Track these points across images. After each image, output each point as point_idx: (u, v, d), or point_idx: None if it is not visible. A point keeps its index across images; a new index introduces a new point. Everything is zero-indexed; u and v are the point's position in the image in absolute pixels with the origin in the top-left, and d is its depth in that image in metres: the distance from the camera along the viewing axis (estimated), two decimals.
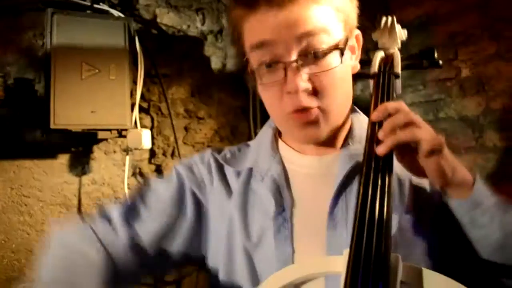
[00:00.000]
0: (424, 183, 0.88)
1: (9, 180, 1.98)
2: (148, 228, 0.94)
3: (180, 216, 0.96)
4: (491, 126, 1.89)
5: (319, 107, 0.82)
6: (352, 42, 0.87)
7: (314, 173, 0.92)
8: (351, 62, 0.88)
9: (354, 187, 0.85)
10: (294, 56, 0.78)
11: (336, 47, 0.80)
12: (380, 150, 0.71)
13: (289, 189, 0.90)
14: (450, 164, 0.73)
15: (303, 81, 0.78)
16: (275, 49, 0.79)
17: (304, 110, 0.81)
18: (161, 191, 0.98)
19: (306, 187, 0.91)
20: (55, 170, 2.08)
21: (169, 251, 0.95)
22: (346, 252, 0.61)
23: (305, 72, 0.79)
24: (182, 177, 0.98)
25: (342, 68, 0.82)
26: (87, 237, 0.91)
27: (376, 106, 0.81)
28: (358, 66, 0.90)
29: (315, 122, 0.83)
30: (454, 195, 0.77)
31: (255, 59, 0.83)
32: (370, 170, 0.69)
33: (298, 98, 0.79)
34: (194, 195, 0.97)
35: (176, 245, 0.95)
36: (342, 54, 0.81)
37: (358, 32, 0.89)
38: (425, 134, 0.71)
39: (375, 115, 0.77)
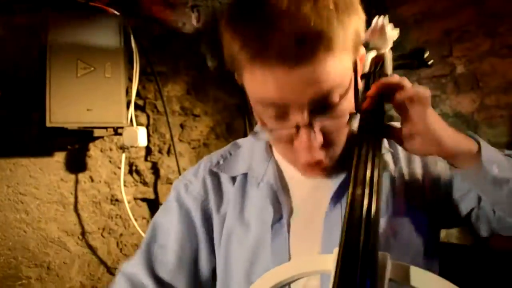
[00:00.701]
0: (418, 179, 0.88)
1: (5, 178, 1.99)
2: (175, 272, 0.93)
3: (197, 243, 0.94)
4: (486, 123, 1.90)
5: (329, 157, 0.79)
6: (358, 65, 0.80)
7: (312, 179, 0.89)
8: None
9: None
10: (306, 116, 0.71)
11: (347, 93, 0.74)
12: (368, 92, 0.73)
13: (287, 194, 0.89)
14: (441, 125, 0.71)
15: (316, 137, 0.73)
16: (285, 109, 0.71)
17: (316, 162, 0.78)
18: (172, 228, 0.96)
19: (304, 192, 0.89)
20: (51, 168, 2.08)
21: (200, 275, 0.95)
22: (335, 250, 0.61)
23: (318, 127, 0.72)
24: (185, 205, 0.96)
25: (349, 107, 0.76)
26: None
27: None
28: (360, 83, 0.84)
29: (323, 168, 0.81)
30: (462, 164, 0.74)
31: (260, 110, 0.75)
32: (359, 166, 0.69)
33: (312, 154, 0.75)
34: (202, 216, 0.95)
35: (205, 268, 0.95)
36: (356, 81, 0.76)
37: (363, 51, 0.83)
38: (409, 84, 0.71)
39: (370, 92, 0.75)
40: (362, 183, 0.66)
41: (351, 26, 0.70)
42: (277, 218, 0.85)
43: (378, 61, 0.96)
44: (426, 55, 1.00)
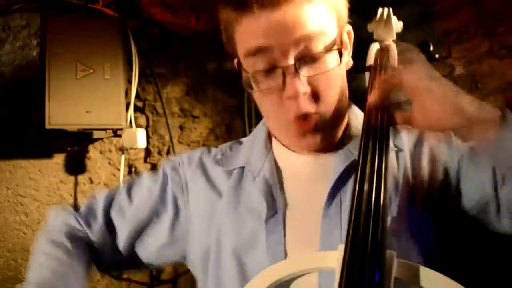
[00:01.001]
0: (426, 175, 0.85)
1: (5, 180, 1.99)
2: (125, 223, 0.96)
3: (157, 217, 0.96)
4: None
5: (318, 113, 0.80)
6: (344, 38, 0.85)
7: (309, 172, 0.89)
8: (344, 58, 0.84)
9: (349, 187, 0.82)
10: (291, 60, 0.75)
11: (333, 47, 0.78)
12: (371, 99, 0.75)
13: (282, 190, 0.88)
14: (454, 92, 0.69)
15: (302, 85, 0.76)
16: (271, 55, 0.75)
17: (305, 117, 0.79)
18: (146, 189, 0.99)
19: (300, 187, 0.88)
20: (50, 170, 2.08)
21: (139, 250, 0.97)
22: (340, 247, 0.60)
23: (303, 75, 0.76)
24: (167, 178, 0.98)
25: (338, 68, 0.79)
26: (71, 226, 0.97)
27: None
28: (351, 62, 0.88)
29: (315, 130, 0.81)
30: (485, 133, 0.68)
31: (250, 65, 0.79)
32: (366, 160, 0.68)
33: (299, 103, 0.77)
34: (174, 200, 0.96)
35: (147, 246, 0.96)
36: (340, 54, 0.78)
37: (349, 27, 0.86)
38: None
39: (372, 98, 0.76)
40: (370, 178, 0.65)
41: None
42: (271, 213, 0.85)
43: (383, 53, 0.95)
44: (431, 48, 1.00)
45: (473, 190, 0.82)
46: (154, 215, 0.96)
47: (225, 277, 0.86)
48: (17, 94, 2.01)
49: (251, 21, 0.75)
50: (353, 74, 0.93)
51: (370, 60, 0.94)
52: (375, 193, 0.63)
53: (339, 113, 0.85)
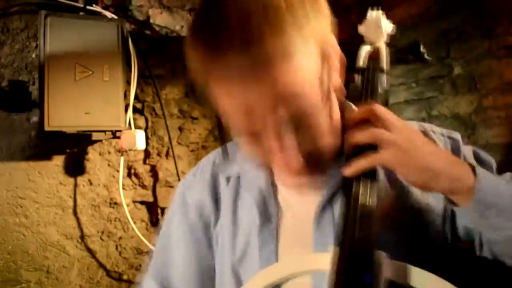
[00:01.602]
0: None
1: (4, 182, 1.99)
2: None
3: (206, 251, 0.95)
4: (483, 124, 1.90)
5: (305, 155, 0.75)
6: (334, 61, 0.76)
7: (303, 183, 0.86)
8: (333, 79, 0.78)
9: (342, 198, 0.82)
10: (275, 141, 0.70)
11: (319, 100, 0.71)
12: (346, 172, 0.69)
13: (276, 200, 0.87)
14: (430, 152, 0.68)
15: (296, 162, 0.72)
16: (249, 120, 0.69)
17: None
18: (180, 241, 0.97)
19: (294, 198, 0.87)
20: (50, 172, 2.08)
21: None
22: (332, 249, 0.61)
23: (287, 134, 0.70)
24: (190, 214, 0.96)
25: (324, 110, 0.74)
26: None
27: (363, 101, 0.80)
28: (339, 82, 0.80)
29: (302, 172, 0.77)
30: (460, 203, 0.70)
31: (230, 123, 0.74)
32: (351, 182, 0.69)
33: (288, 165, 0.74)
34: (203, 224, 0.95)
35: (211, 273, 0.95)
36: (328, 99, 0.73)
37: (338, 50, 0.78)
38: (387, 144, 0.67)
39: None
40: (358, 181, 0.66)
41: (306, 19, 0.67)
42: (265, 225, 0.84)
43: (374, 55, 0.95)
44: (421, 49, 0.99)
45: (460, 220, 0.81)
46: (205, 256, 0.95)
47: (225, 281, 0.87)
48: (16, 96, 2.01)
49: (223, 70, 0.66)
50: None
51: (360, 62, 0.94)
52: (364, 196, 0.64)
53: (329, 148, 0.81)
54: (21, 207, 2.02)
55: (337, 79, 0.78)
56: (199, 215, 0.94)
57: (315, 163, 0.78)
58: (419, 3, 2.13)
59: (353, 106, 0.92)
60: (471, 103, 1.95)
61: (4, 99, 1.99)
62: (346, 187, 0.68)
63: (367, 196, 0.64)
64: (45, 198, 2.06)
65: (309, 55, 0.68)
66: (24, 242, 2.02)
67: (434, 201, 0.83)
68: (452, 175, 0.67)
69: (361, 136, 0.68)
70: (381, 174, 0.83)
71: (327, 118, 0.76)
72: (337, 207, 0.81)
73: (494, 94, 1.87)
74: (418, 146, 0.68)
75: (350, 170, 0.68)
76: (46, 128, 1.90)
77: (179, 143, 2.38)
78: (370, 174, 0.68)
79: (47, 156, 2.08)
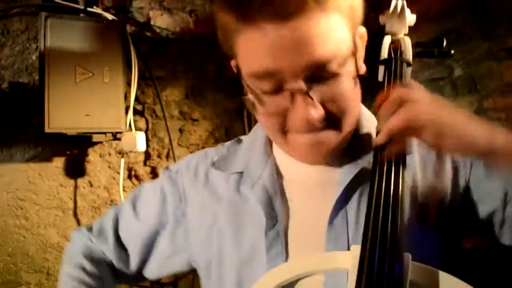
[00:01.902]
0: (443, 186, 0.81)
1: (4, 184, 1.99)
2: (133, 239, 0.98)
3: (162, 229, 0.96)
4: None
5: (330, 129, 0.73)
6: (357, 41, 0.75)
7: (313, 181, 0.83)
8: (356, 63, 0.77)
9: (356, 196, 0.78)
10: (302, 83, 0.66)
11: (349, 66, 0.69)
12: (379, 139, 0.67)
13: (283, 199, 0.82)
14: (460, 118, 0.66)
15: (315, 109, 0.68)
16: (279, 77, 0.66)
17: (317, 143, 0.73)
18: (148, 203, 0.99)
19: (303, 196, 0.83)
20: (50, 174, 2.08)
21: (149, 263, 0.98)
22: (354, 247, 0.60)
23: (316, 97, 0.67)
24: (165, 190, 0.97)
25: (351, 80, 0.71)
26: (88, 247, 0.99)
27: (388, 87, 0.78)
28: (363, 67, 0.78)
29: (325, 153, 0.77)
30: (496, 165, 0.68)
31: (253, 85, 0.70)
32: (383, 164, 0.67)
33: (311, 129, 0.72)
34: (173, 211, 0.95)
35: (154, 258, 0.97)
36: (357, 77, 0.72)
37: (363, 30, 0.77)
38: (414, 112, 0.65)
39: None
40: (387, 176, 0.64)
41: (344, 12, 0.68)
42: (271, 225, 0.80)
43: (396, 47, 0.92)
44: (445, 44, 0.97)
45: (484, 199, 0.80)
46: (159, 227, 0.96)
47: (226, 282, 0.83)
48: (16, 98, 2.01)
49: (255, 35, 0.64)
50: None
51: (384, 53, 0.90)
52: (393, 191, 0.62)
53: (351, 124, 0.79)
54: (21, 209, 2.02)
55: (363, 68, 0.78)
56: (179, 199, 0.95)
57: (335, 150, 0.77)
58: (418, 4, 2.12)
59: (366, 110, 0.91)
60: (471, 105, 1.95)
61: (4, 101, 1.99)
62: (372, 181, 0.66)
63: (396, 189, 0.63)
64: (45, 200, 2.06)
65: (341, 17, 0.68)
66: (24, 244, 2.01)
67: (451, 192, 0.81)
68: (490, 139, 0.65)
69: (396, 120, 0.65)
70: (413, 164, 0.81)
71: (354, 98, 0.76)
72: (351, 206, 0.78)
73: (495, 96, 1.87)
74: (453, 115, 0.66)
75: (381, 136, 0.66)
76: (47, 130, 1.90)
77: (179, 145, 2.37)
78: (399, 162, 0.66)
79: (47, 158, 2.08)
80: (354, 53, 0.71)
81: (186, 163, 0.99)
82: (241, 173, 0.89)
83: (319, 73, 0.66)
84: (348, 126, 0.76)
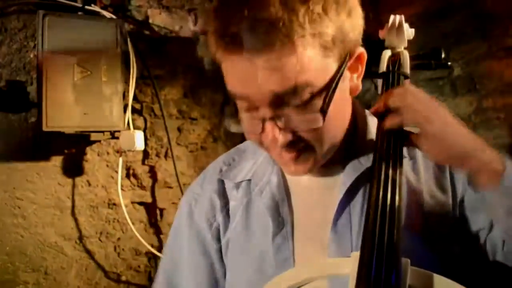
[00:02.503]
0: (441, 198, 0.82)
1: (2, 183, 1.98)
2: None
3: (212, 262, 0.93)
4: (483, 125, 1.90)
5: (307, 150, 0.75)
6: (354, 62, 0.76)
7: (316, 185, 0.85)
8: (351, 82, 0.78)
9: (359, 198, 0.80)
10: (267, 112, 0.69)
11: (323, 94, 0.69)
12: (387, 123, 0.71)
13: (289, 203, 0.85)
14: (459, 131, 0.70)
15: (282, 135, 0.70)
16: (249, 101, 0.70)
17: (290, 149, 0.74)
18: (186, 256, 0.95)
19: (308, 200, 0.85)
20: (48, 172, 2.07)
21: None
22: (354, 254, 0.61)
23: (282, 123, 0.69)
24: (197, 224, 0.94)
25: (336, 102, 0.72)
26: None
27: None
28: (360, 86, 0.79)
29: (304, 158, 0.76)
30: (483, 183, 0.70)
31: (233, 98, 0.75)
32: (381, 167, 0.69)
33: (278, 150, 0.74)
34: (213, 234, 0.93)
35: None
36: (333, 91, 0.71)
37: (361, 50, 0.77)
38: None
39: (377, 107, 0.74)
40: (384, 184, 0.66)
41: (329, 22, 0.67)
42: (278, 231, 0.82)
43: (395, 60, 0.94)
44: (443, 55, 0.99)
45: (471, 215, 0.80)
46: (209, 265, 0.93)
47: None
48: (14, 96, 2.00)
49: (229, 62, 0.69)
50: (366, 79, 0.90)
51: (383, 67, 0.93)
52: (390, 198, 0.64)
53: (336, 135, 0.79)
54: (19, 208, 2.01)
55: (359, 88, 0.79)
56: (209, 228, 0.92)
57: (318, 160, 0.78)
58: (417, 4, 2.12)
59: (368, 114, 0.91)
60: (470, 104, 1.95)
61: (2, 100, 1.98)
62: (371, 186, 0.67)
63: (393, 197, 0.64)
64: (43, 199, 2.05)
65: (323, 67, 0.69)
66: (22, 243, 2.00)
67: (447, 203, 0.82)
68: (481, 157, 0.69)
69: (393, 119, 0.71)
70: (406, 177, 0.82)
71: (340, 115, 0.77)
72: (355, 207, 0.80)
73: (494, 95, 1.87)
74: (450, 127, 0.70)
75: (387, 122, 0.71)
76: (45, 129, 1.89)
77: (178, 144, 2.37)
78: (396, 167, 0.68)
79: (45, 157, 2.07)
80: (336, 80, 0.71)
81: (199, 182, 0.99)
82: (249, 180, 0.90)
83: (286, 102, 0.68)
84: (327, 144, 0.76)
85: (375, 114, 0.77)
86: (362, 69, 0.79)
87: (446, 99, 2.02)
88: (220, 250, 0.91)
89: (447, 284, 0.56)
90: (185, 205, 0.98)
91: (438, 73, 2.03)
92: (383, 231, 0.60)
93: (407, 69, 0.91)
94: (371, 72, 0.88)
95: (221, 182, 0.94)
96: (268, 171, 0.88)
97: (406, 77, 0.89)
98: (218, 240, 0.91)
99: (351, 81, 0.78)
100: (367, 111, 0.90)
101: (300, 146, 0.74)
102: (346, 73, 0.75)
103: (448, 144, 0.68)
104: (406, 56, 0.94)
